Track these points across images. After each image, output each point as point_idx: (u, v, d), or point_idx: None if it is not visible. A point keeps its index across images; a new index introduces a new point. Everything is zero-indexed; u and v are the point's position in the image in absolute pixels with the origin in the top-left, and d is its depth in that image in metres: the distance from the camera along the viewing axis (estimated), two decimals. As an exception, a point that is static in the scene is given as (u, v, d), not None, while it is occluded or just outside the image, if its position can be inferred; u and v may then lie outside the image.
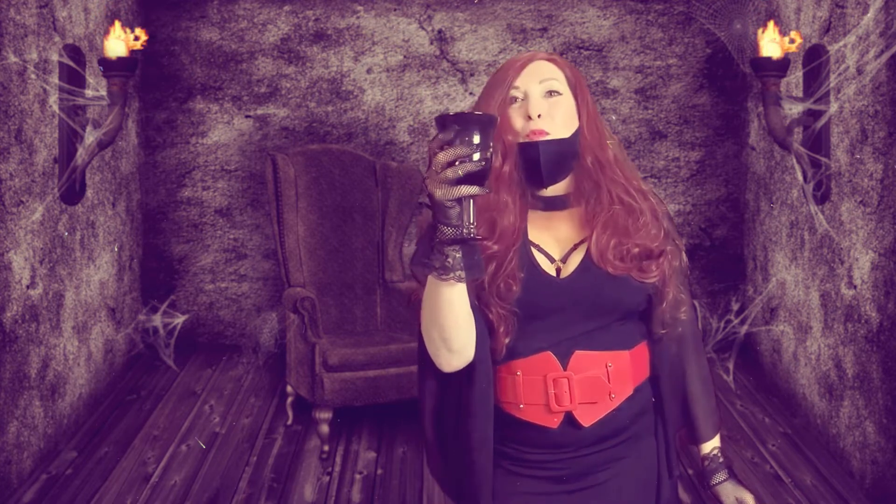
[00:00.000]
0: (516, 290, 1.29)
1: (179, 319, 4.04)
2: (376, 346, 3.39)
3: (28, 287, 3.03)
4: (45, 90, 3.12)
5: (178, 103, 4.49)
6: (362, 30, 4.49)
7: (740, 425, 3.54)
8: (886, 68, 2.79)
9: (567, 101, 1.35)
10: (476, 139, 1.08)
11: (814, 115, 3.12)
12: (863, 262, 2.96)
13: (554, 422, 1.33)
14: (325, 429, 3.26)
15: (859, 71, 2.97)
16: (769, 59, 2.97)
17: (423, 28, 4.50)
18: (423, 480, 3.06)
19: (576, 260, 1.34)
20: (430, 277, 1.17)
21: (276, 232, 3.60)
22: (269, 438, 3.44)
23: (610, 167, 1.37)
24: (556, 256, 1.35)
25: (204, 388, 3.98)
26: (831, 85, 3.10)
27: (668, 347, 1.41)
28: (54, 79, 3.18)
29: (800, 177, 3.28)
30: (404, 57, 4.50)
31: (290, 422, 3.55)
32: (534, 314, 1.31)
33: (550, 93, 1.34)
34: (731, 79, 4.48)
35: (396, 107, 4.51)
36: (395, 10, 4.49)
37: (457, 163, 1.07)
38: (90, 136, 3.11)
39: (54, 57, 3.20)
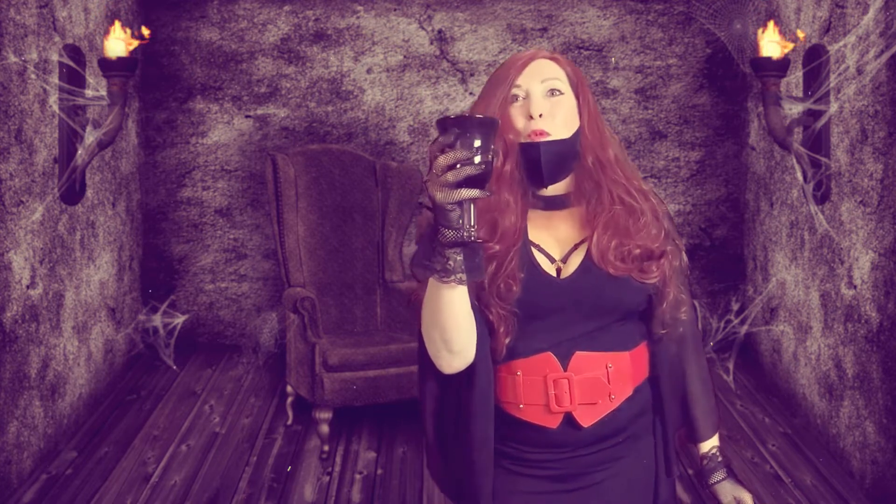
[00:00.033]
0: (516, 290, 1.29)
1: (179, 319, 4.04)
2: (376, 346, 3.39)
3: (28, 287, 3.03)
4: (45, 90, 3.12)
5: (178, 103, 4.49)
6: (362, 30, 4.49)
7: (740, 425, 3.54)
8: (886, 68, 2.79)
9: (568, 101, 1.35)
10: (477, 142, 1.07)
11: (814, 115, 3.12)
12: (863, 262, 2.96)
13: (554, 422, 1.33)
14: (325, 429, 3.26)
15: (859, 71, 2.97)
16: (769, 59, 2.97)
17: (423, 28, 4.50)
18: (423, 480, 3.06)
19: (576, 260, 1.34)
20: (430, 279, 1.17)
21: (276, 232, 3.60)
22: (269, 438, 3.44)
23: (611, 167, 1.37)
24: (557, 256, 1.35)
25: (204, 388, 3.98)
26: (831, 85, 3.10)
27: (668, 347, 1.41)
28: (54, 79, 3.18)
29: (800, 177, 3.28)
30: (404, 57, 4.50)
31: (290, 422, 3.55)
32: (534, 314, 1.31)
33: (552, 92, 1.34)
34: (731, 79, 4.48)
35: (396, 107, 4.51)
36: (395, 10, 4.49)
37: (457, 166, 1.07)
38: (90, 136, 3.11)
39: (54, 57, 3.20)
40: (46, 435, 3.20)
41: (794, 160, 3.23)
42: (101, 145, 3.13)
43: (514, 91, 1.34)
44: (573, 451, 1.35)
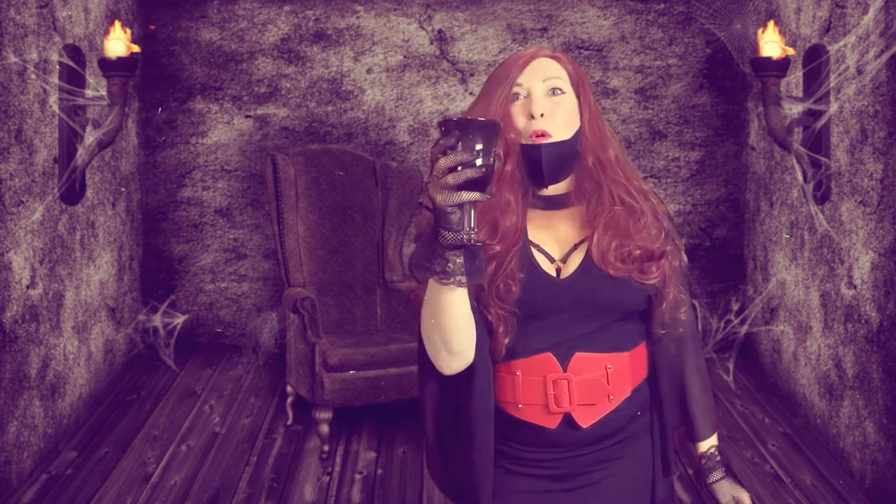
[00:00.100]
0: (516, 290, 1.28)
1: (179, 319, 4.04)
2: (376, 346, 3.39)
3: (28, 287, 3.03)
4: (45, 90, 3.12)
5: (178, 103, 4.49)
6: (362, 30, 4.49)
7: (740, 425, 3.54)
8: (886, 68, 2.79)
9: (569, 101, 1.34)
10: (478, 145, 1.07)
11: (814, 115, 3.11)
12: (863, 262, 2.96)
13: (552, 422, 1.33)
14: (325, 429, 3.26)
15: (859, 71, 2.97)
16: (769, 59, 2.97)
17: (423, 28, 4.50)
18: (423, 480, 3.06)
19: (576, 260, 1.34)
20: (430, 281, 1.17)
21: (276, 232, 3.60)
22: (269, 438, 3.44)
23: (611, 167, 1.36)
24: (556, 256, 1.35)
25: (204, 388, 3.98)
26: (831, 85, 3.10)
27: (668, 348, 1.41)
28: (54, 79, 3.18)
29: (800, 177, 3.28)
30: (404, 57, 4.50)
31: (290, 422, 3.55)
32: (534, 314, 1.31)
33: (553, 91, 1.33)
34: (731, 79, 4.48)
35: (396, 107, 4.51)
36: (395, 10, 4.49)
37: (458, 168, 1.07)
38: (90, 136, 3.11)
39: (54, 57, 3.20)
40: (46, 435, 3.20)
41: (794, 160, 3.23)
42: (101, 145, 3.13)
43: (516, 90, 1.33)
44: (572, 451, 1.35)
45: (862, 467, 2.96)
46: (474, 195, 1.07)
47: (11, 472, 2.92)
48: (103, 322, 3.84)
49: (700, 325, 3.70)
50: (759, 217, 4.20)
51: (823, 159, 3.16)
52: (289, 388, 3.56)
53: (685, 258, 1.41)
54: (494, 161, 1.09)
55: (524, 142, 1.32)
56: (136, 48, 3.04)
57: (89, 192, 3.62)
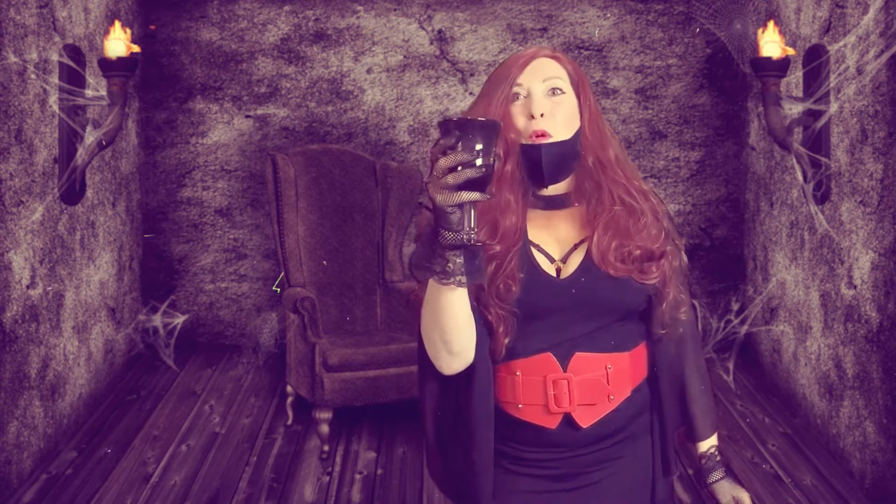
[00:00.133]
0: (515, 290, 1.28)
1: (179, 319, 4.04)
2: (376, 346, 3.39)
3: (28, 287, 3.03)
4: (45, 90, 3.12)
5: (178, 103, 4.49)
6: (362, 30, 4.49)
7: (740, 425, 3.54)
8: (886, 68, 2.79)
9: (569, 101, 1.34)
10: (478, 145, 1.07)
11: (814, 115, 3.11)
12: (863, 262, 2.96)
13: (552, 422, 1.33)
14: (325, 429, 3.26)
15: (859, 71, 2.97)
16: (769, 59, 2.97)
17: (423, 28, 4.50)
18: (423, 480, 3.06)
19: (576, 260, 1.34)
20: (430, 281, 1.17)
21: (276, 232, 3.60)
22: (269, 438, 3.44)
23: (611, 167, 1.36)
24: (556, 256, 1.35)
25: (204, 388, 3.98)
26: (831, 85, 3.10)
27: (668, 348, 1.41)
28: (54, 79, 3.18)
29: (800, 177, 3.28)
30: (404, 57, 4.50)
31: (290, 422, 3.55)
32: (534, 314, 1.31)
33: (553, 91, 1.33)
34: (731, 79, 4.48)
35: (396, 107, 4.51)
36: (395, 10, 4.49)
37: (458, 168, 1.07)
38: (90, 136, 3.11)
39: (54, 57, 3.20)
40: (46, 435, 3.20)
41: (794, 160, 3.23)
42: (101, 145, 3.13)
43: (516, 89, 1.33)
44: (572, 451, 1.35)
45: (862, 467, 2.96)
46: (474, 195, 1.07)
47: (11, 472, 2.92)
48: (103, 322, 3.84)
49: (700, 325, 3.70)
50: (759, 217, 4.20)
51: (823, 159, 3.16)
52: (289, 388, 3.56)
53: (685, 258, 1.41)
54: (494, 161, 1.09)
55: (524, 142, 1.32)
56: (136, 48, 3.04)
57: (89, 192, 3.62)
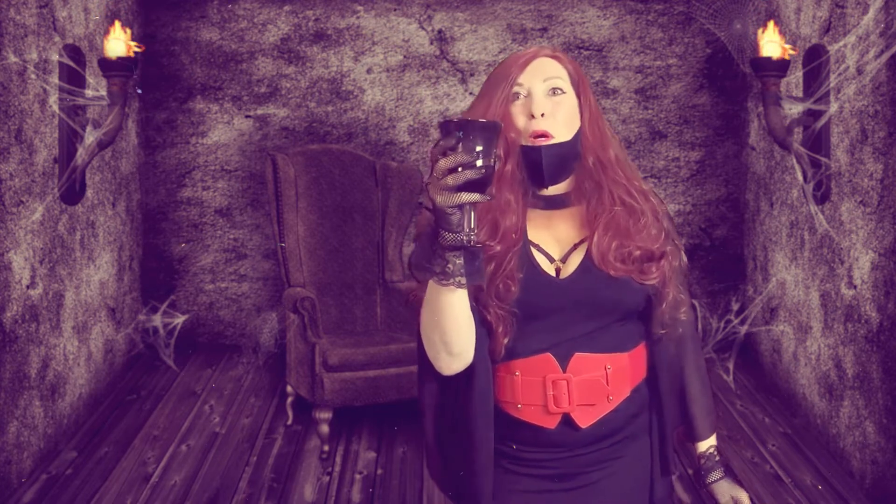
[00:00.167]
0: (515, 290, 1.28)
1: (179, 319, 4.04)
2: (376, 346, 3.39)
3: (28, 287, 3.03)
4: (45, 90, 3.12)
5: (178, 103, 4.49)
6: (362, 30, 4.49)
7: (740, 425, 3.54)
8: (886, 68, 2.79)
9: (570, 101, 1.34)
10: (479, 146, 1.06)
11: (814, 115, 3.11)
12: (863, 262, 2.95)
13: (552, 422, 1.33)
14: (325, 429, 3.26)
15: (859, 71, 2.97)
16: (769, 59, 2.97)
17: (423, 28, 4.50)
18: (423, 480, 3.06)
19: (575, 260, 1.34)
20: (430, 282, 1.17)
21: (276, 232, 3.60)
22: (269, 438, 3.44)
23: (611, 167, 1.36)
24: (556, 256, 1.35)
25: (204, 388, 3.98)
26: (831, 85, 3.10)
27: (667, 348, 1.41)
28: (54, 79, 3.18)
29: (800, 177, 3.28)
30: (404, 57, 4.50)
31: (290, 422, 3.55)
32: (533, 314, 1.31)
33: (554, 91, 1.33)
34: (731, 79, 4.48)
35: (396, 107, 4.51)
36: (395, 10, 4.49)
37: (458, 169, 1.07)
38: (90, 136, 3.11)
39: (54, 57, 3.20)
40: (46, 435, 3.20)
41: (794, 160, 3.23)
42: (101, 145, 3.13)
43: (516, 89, 1.33)
44: (571, 451, 1.35)
45: (862, 467, 2.96)
46: (474, 196, 1.07)
47: (11, 472, 2.92)
48: (103, 322, 3.84)
49: (700, 325, 3.71)
50: (759, 217, 4.20)
51: (823, 159, 3.16)
52: (289, 388, 3.56)
53: (685, 258, 1.41)
54: (495, 162, 1.09)
55: (524, 142, 1.32)
56: (136, 47, 3.03)
57: (89, 192, 3.62)
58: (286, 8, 4.48)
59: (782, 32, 3.16)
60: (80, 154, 3.16)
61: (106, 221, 3.87)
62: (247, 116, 4.48)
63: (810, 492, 2.98)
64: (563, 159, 1.33)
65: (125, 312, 4.16)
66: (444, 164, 1.07)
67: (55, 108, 3.16)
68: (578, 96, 1.36)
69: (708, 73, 4.50)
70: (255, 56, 4.47)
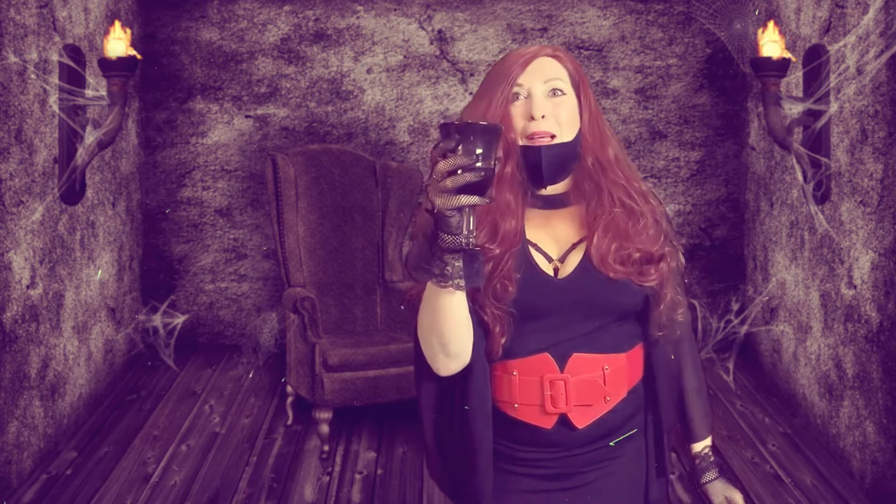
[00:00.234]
0: (512, 290, 1.28)
1: (179, 319, 4.04)
2: (376, 346, 3.39)
3: (28, 287, 3.03)
4: (45, 90, 3.12)
5: (178, 103, 4.49)
6: (362, 30, 4.49)
7: (740, 425, 3.54)
8: (886, 68, 2.79)
9: (570, 102, 1.33)
10: (479, 149, 1.06)
11: (814, 115, 3.11)
12: (863, 262, 2.95)
13: (548, 422, 1.33)
14: (325, 429, 3.26)
15: (859, 71, 2.97)
16: (769, 59, 2.97)
17: (423, 28, 4.50)
18: (423, 480, 3.06)
19: (574, 260, 1.33)
20: (428, 284, 1.17)
21: (276, 232, 3.60)
22: (269, 438, 3.44)
23: (611, 168, 1.36)
24: (554, 256, 1.35)
25: (204, 388, 3.98)
26: (831, 85, 3.10)
27: (665, 349, 1.41)
28: (54, 79, 3.18)
29: (800, 177, 3.28)
30: (404, 57, 4.50)
31: (290, 422, 3.55)
32: (531, 314, 1.30)
33: (554, 92, 1.32)
34: (731, 79, 4.48)
35: (396, 107, 4.51)
36: (395, 10, 4.49)
37: (458, 172, 1.06)
38: (90, 136, 3.11)
39: (54, 57, 3.20)
40: (46, 435, 3.20)
41: (794, 160, 3.23)
42: (101, 145, 3.13)
43: (516, 90, 1.32)
44: (567, 451, 1.35)
45: (862, 467, 2.96)
46: (473, 199, 1.07)
47: (11, 472, 2.92)
48: (103, 322, 3.84)
49: (700, 325, 3.71)
50: (759, 217, 4.20)
51: (823, 159, 3.16)
52: (289, 388, 3.56)
53: (682, 259, 1.41)
54: (495, 165, 1.08)
55: (523, 143, 1.32)
56: (135, 54, 3.03)
57: (89, 192, 3.62)
58: (286, 8, 4.48)
59: (782, 33, 3.16)
60: (80, 154, 3.16)
61: (106, 221, 3.87)
62: (247, 116, 4.48)
63: (810, 492, 2.98)
64: (563, 160, 1.33)
65: (125, 312, 4.16)
66: (443, 166, 1.06)
67: (55, 108, 3.16)
68: (578, 97, 1.35)
69: (708, 73, 4.50)
70: (255, 56, 4.47)
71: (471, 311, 1.25)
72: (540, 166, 1.30)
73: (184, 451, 3.31)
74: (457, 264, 1.12)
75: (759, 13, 3.91)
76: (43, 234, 3.16)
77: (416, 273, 1.20)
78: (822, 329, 3.34)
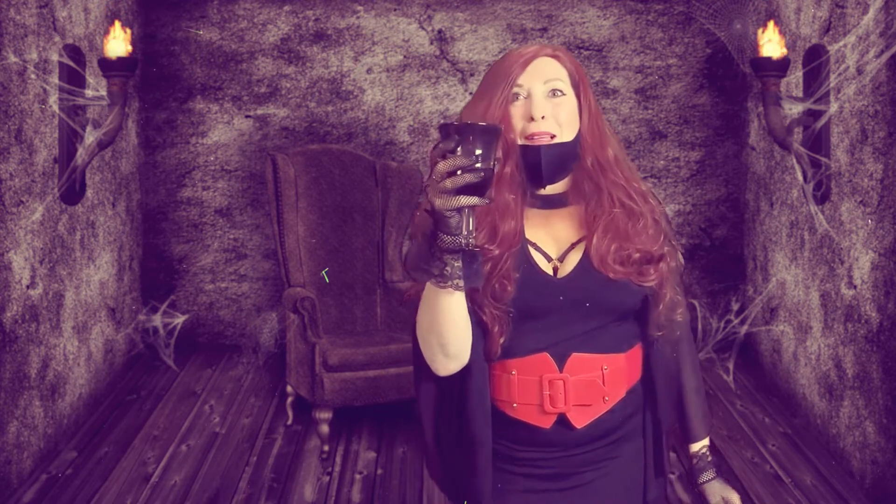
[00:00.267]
0: (511, 290, 1.28)
1: (179, 319, 4.04)
2: (376, 346, 3.39)
3: (28, 287, 3.03)
4: (45, 90, 3.13)
5: (178, 103, 4.49)
6: (362, 30, 4.49)
7: (740, 425, 3.54)
8: (886, 68, 2.79)
9: (570, 102, 1.33)
10: (478, 150, 1.06)
11: (814, 115, 3.11)
12: (863, 262, 2.95)
13: (547, 422, 1.33)
14: (325, 429, 3.26)
15: (859, 71, 2.97)
16: (769, 59, 2.97)
17: (423, 28, 4.50)
18: (423, 480, 3.06)
19: (573, 260, 1.33)
20: (427, 284, 1.17)
21: (276, 232, 3.60)
22: (269, 438, 3.44)
23: (610, 168, 1.36)
24: (553, 255, 1.35)
25: (204, 388, 3.98)
26: (831, 85, 3.10)
27: (664, 350, 1.41)
28: (54, 79, 3.18)
29: (800, 177, 3.28)
30: (404, 57, 4.50)
31: (290, 422, 3.55)
32: (530, 313, 1.30)
33: (554, 92, 1.32)
34: (731, 79, 4.48)
35: (396, 107, 4.51)
36: (395, 10, 4.49)
37: (458, 173, 1.06)
38: (90, 136, 3.11)
39: (54, 57, 3.20)
40: (46, 435, 3.20)
41: (794, 160, 3.23)
42: (101, 145, 3.13)
43: (516, 90, 1.32)
44: (565, 451, 1.35)
45: (862, 467, 2.96)
46: (472, 200, 1.07)
47: (11, 472, 2.92)
48: (103, 322, 3.84)
49: (700, 325, 3.71)
50: (759, 217, 4.20)
51: (823, 159, 3.16)
52: (289, 388, 3.56)
53: (681, 259, 1.41)
54: (494, 165, 1.08)
55: (522, 143, 1.32)
56: (127, 47, 3.03)
57: (89, 192, 3.62)
58: (286, 8, 4.48)
59: (782, 32, 3.16)
60: (80, 154, 3.16)
61: (106, 221, 3.87)
62: (247, 116, 4.49)
63: (810, 492, 2.97)
64: (563, 160, 1.33)
65: (125, 312, 4.16)
66: (442, 167, 1.07)
67: (55, 108, 3.16)
68: (578, 97, 1.35)
69: (708, 73, 4.50)
70: (255, 56, 4.47)
71: (470, 311, 1.25)
72: (539, 166, 1.30)
73: (184, 451, 3.31)
74: (456, 265, 1.12)
75: (759, 14, 3.92)
76: (43, 234, 3.16)
77: (415, 273, 1.20)
78: (822, 329, 3.34)
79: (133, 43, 3.09)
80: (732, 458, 3.23)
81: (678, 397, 1.46)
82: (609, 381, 1.33)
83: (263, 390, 3.97)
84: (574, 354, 1.32)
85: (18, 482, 2.96)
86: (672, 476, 3.06)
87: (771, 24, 3.05)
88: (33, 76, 3.05)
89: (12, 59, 2.89)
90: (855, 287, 3.02)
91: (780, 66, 2.98)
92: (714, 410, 3.58)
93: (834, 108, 3.11)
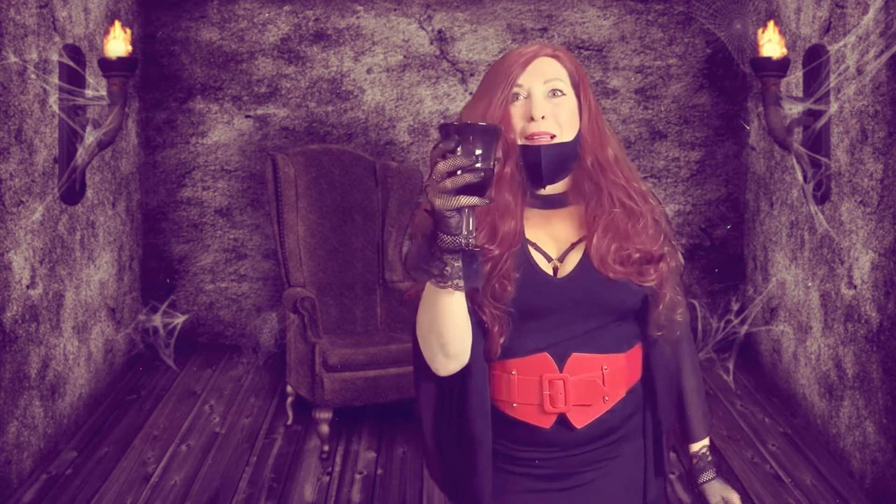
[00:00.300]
0: (511, 290, 1.28)
1: (179, 319, 4.04)
2: (376, 346, 3.39)
3: (28, 287, 3.03)
4: (45, 90, 3.13)
5: (178, 103, 4.49)
6: (362, 30, 4.49)
7: (740, 425, 3.54)
8: (886, 68, 2.79)
9: (570, 102, 1.33)
10: (478, 150, 1.06)
11: (814, 115, 3.11)
12: (863, 262, 2.95)
13: (547, 422, 1.33)
14: (325, 429, 3.26)
15: (859, 71, 2.97)
16: (769, 59, 2.97)
17: (423, 28, 4.50)
18: (423, 480, 3.06)
19: (573, 260, 1.33)
20: (427, 284, 1.17)
21: (276, 232, 3.60)
22: (269, 438, 3.44)
23: (610, 168, 1.36)
24: (553, 255, 1.35)
25: (204, 388, 3.98)
26: (831, 85, 3.10)
27: (664, 350, 1.41)
28: (54, 79, 3.18)
29: (800, 177, 3.28)
30: (404, 57, 4.50)
31: (290, 422, 3.55)
32: (530, 313, 1.30)
33: (554, 92, 1.32)
34: (731, 79, 4.48)
35: (396, 107, 4.51)
36: (395, 10, 4.49)
37: (458, 173, 1.06)
38: (90, 136, 3.11)
39: (54, 57, 3.20)
40: (46, 435, 3.20)
41: (794, 160, 3.23)
42: (101, 145, 3.13)
43: (516, 90, 1.32)
44: (565, 451, 1.35)
45: (862, 467, 2.96)
46: (472, 200, 1.07)
47: (11, 472, 2.92)
48: (103, 322, 3.84)
49: (700, 325, 3.71)
50: (759, 217, 4.20)
51: (823, 159, 3.16)
52: (289, 388, 3.56)
53: (681, 259, 1.41)
54: (494, 165, 1.08)
55: (522, 143, 1.32)
56: (127, 45, 3.03)
57: (89, 192, 3.62)
58: (286, 8, 4.48)
59: (782, 32, 3.16)
60: (80, 154, 3.16)
61: (106, 221, 3.87)
62: (247, 116, 4.48)
63: (810, 492, 2.97)
64: (563, 160, 1.33)
65: (125, 312, 4.16)
66: (442, 167, 1.07)
67: (55, 108, 3.16)
68: (578, 97, 1.35)
69: (708, 73, 4.50)
70: (255, 56, 4.47)
71: (470, 311, 1.25)
72: (539, 166, 1.30)
73: (184, 451, 3.31)
74: (456, 265, 1.12)
75: (759, 14, 3.92)
76: (43, 234, 3.16)
77: (415, 273, 1.20)
78: (822, 329, 3.34)
79: (133, 43, 3.09)
80: (732, 458, 3.23)
81: (678, 397, 1.46)
82: (609, 381, 1.33)
83: (263, 390, 3.97)
84: (574, 354, 1.32)
85: (18, 482, 2.96)
86: (672, 476, 3.06)
87: (771, 24, 3.05)
88: (33, 76, 3.05)
89: (12, 59, 2.89)
90: (855, 287, 3.02)
91: (780, 66, 2.98)
92: (714, 410, 3.58)
93: (834, 108, 3.11)
